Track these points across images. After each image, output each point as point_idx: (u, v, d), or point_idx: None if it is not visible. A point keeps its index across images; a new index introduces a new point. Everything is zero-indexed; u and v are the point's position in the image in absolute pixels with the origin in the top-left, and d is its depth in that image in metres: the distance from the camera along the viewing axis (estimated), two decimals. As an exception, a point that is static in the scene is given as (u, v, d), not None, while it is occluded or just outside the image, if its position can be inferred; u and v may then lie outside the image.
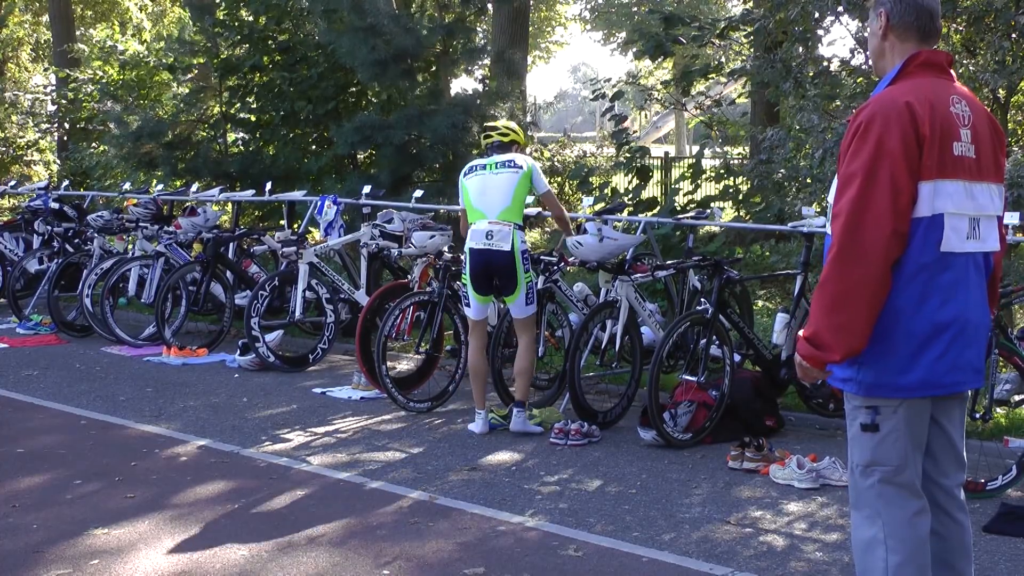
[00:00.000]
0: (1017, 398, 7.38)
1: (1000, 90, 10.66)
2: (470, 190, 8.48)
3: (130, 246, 12.56)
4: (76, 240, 13.36)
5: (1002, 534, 6.21)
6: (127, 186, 16.07)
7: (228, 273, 11.87)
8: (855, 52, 12.09)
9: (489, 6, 19.73)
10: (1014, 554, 5.92)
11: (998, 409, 7.74)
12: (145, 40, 24.78)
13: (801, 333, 4.04)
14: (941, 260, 3.93)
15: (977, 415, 7.25)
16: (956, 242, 3.95)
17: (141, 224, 12.40)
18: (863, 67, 11.80)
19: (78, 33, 27.62)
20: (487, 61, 18.11)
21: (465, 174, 8.61)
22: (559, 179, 21.50)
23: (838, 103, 11.53)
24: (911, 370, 3.93)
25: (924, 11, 4.09)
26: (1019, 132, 11.32)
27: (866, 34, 10.68)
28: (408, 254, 10.32)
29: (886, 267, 3.88)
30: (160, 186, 15.61)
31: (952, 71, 4.18)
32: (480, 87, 17.62)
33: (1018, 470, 6.85)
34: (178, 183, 16.46)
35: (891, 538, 3.97)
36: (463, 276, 8.48)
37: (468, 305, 8.53)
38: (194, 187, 14.14)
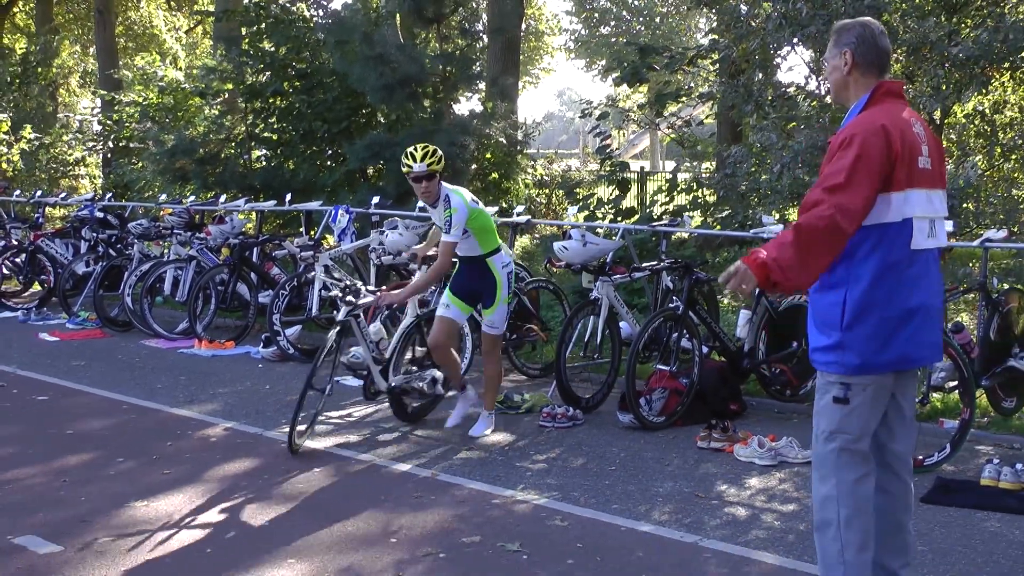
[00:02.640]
0: (951, 384, 7.38)
1: (936, 113, 10.68)
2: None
3: (166, 250, 12.56)
4: (118, 245, 13.32)
5: (937, 504, 6.22)
6: (163, 197, 16.04)
7: (252, 274, 11.85)
8: (809, 78, 12.13)
9: (485, 37, 19.77)
10: (947, 521, 5.94)
11: (934, 394, 7.76)
12: (180, 68, 24.76)
13: (752, 252, 4.17)
14: (910, 256, 4.16)
15: (916, 399, 7.27)
16: (921, 240, 4.18)
17: (176, 231, 12.41)
18: (817, 91, 11.83)
19: (121, 63, 27.59)
20: (483, 86, 18.13)
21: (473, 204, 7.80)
22: (547, 191, 21.49)
23: (794, 123, 11.54)
24: (888, 349, 4.14)
25: (882, 51, 4.31)
26: (953, 150, 11.32)
27: (822, 63, 10.75)
28: (388, 262, 10.36)
29: (844, 238, 4.03)
30: (192, 197, 15.60)
31: (904, 97, 4.38)
32: (477, 109, 17.63)
33: (951, 448, 6.87)
34: (208, 195, 16.44)
35: (843, 495, 4.20)
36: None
37: (448, 306, 7.91)
38: (222, 198, 14.14)
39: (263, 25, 17.40)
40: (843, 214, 3.98)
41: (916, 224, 4.14)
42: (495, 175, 17.27)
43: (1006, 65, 10.99)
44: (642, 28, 44.48)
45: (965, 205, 10.19)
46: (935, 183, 4.27)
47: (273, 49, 17.30)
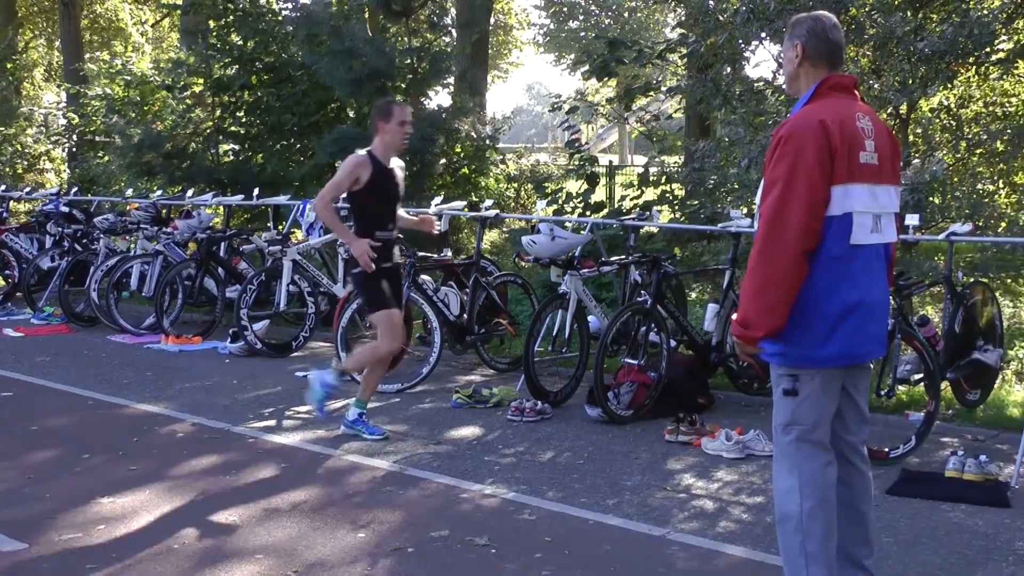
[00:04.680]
0: (916, 377, 7.43)
1: (902, 107, 10.75)
2: None
3: (132, 245, 12.48)
4: (84, 240, 13.27)
5: (902, 496, 6.28)
6: (130, 192, 15.98)
7: (220, 269, 11.82)
8: (777, 73, 12.16)
9: (454, 32, 19.75)
10: (912, 512, 6.00)
11: (900, 387, 7.82)
12: (146, 62, 24.57)
13: (734, 317, 4.26)
14: (851, 251, 4.15)
15: (882, 392, 7.34)
16: (862, 236, 4.17)
17: (142, 226, 12.35)
18: (783, 86, 11.88)
19: (87, 56, 27.38)
20: (452, 80, 18.11)
21: None
22: (516, 185, 21.49)
23: (762, 118, 11.59)
24: (828, 344, 4.16)
25: (833, 44, 4.32)
26: (919, 143, 11.39)
27: (778, 56, 10.78)
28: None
29: (802, 257, 4.08)
30: (159, 192, 15.49)
31: (857, 92, 4.41)
32: (446, 103, 17.62)
33: (917, 440, 6.94)
34: (175, 189, 16.39)
35: (805, 486, 4.21)
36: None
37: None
38: (189, 193, 14.06)
39: (231, 18, 17.33)
40: (792, 225, 4.04)
41: (857, 219, 4.14)
42: (465, 170, 17.27)
43: (971, 60, 11.07)
44: (611, 22, 44.51)
45: (931, 199, 10.26)
46: (882, 178, 4.25)
47: (241, 43, 17.23)
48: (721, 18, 12.31)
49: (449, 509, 6.10)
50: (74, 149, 24.43)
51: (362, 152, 7.49)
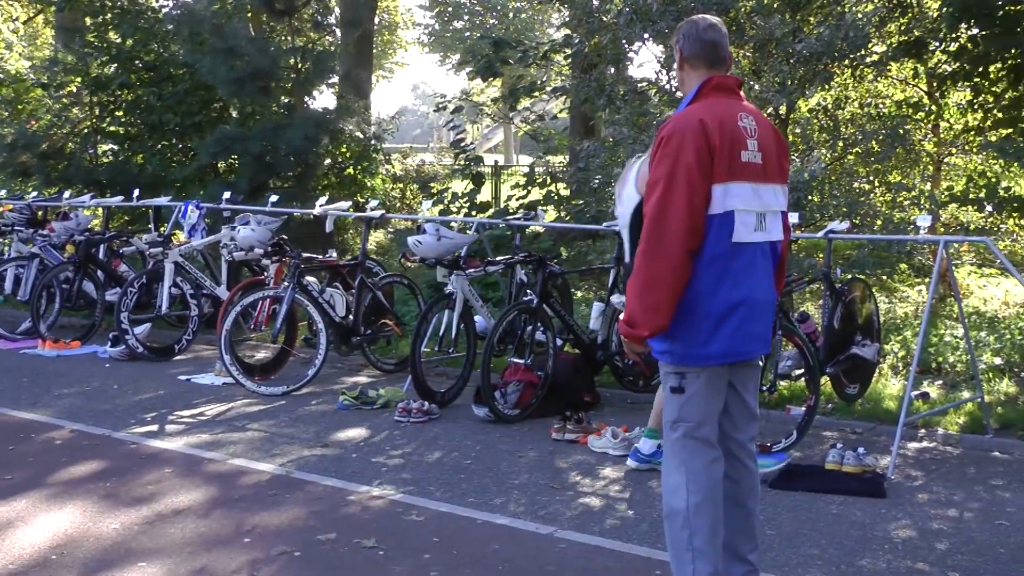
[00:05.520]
0: (797, 372, 7.59)
1: (781, 108, 10.96)
2: None
3: (6, 248, 12.20)
4: (-45, 244, 12.92)
5: (784, 489, 6.40)
6: (3, 193, 15.54)
7: (99, 272, 11.59)
8: (660, 73, 12.33)
9: (338, 31, 19.62)
10: (794, 505, 6.12)
11: (781, 382, 7.97)
12: (15, 59, 23.96)
13: (621, 316, 4.27)
14: (733, 249, 4.18)
15: (764, 388, 7.46)
16: (745, 234, 4.20)
17: (17, 228, 12.10)
18: (666, 86, 12.04)
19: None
20: (336, 80, 18.00)
21: None
22: (401, 185, 21.43)
23: (646, 118, 11.72)
24: (712, 342, 4.19)
25: (708, 44, 4.38)
26: (798, 143, 11.63)
27: (667, 57, 10.96)
28: (240, 257, 10.28)
29: (685, 256, 4.11)
30: (35, 193, 15.15)
31: (741, 92, 4.45)
32: (331, 103, 17.52)
33: (798, 434, 7.10)
34: (52, 190, 16.02)
35: (691, 482, 4.25)
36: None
37: None
38: (67, 194, 13.78)
39: (108, 16, 17.00)
40: (674, 225, 4.07)
41: (739, 217, 4.17)
42: (351, 170, 17.18)
43: (847, 62, 11.36)
44: (496, 22, 44.64)
45: (810, 198, 10.48)
46: (767, 177, 4.30)
47: (120, 40, 16.91)
48: (605, 19, 12.44)
49: (336, 512, 6.06)
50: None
51: None
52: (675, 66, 4.51)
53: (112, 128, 17.42)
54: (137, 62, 16.78)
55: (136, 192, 12.90)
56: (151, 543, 5.52)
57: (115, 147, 17.74)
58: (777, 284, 4.51)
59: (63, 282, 11.46)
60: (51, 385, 9.39)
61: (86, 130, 17.51)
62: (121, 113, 17.12)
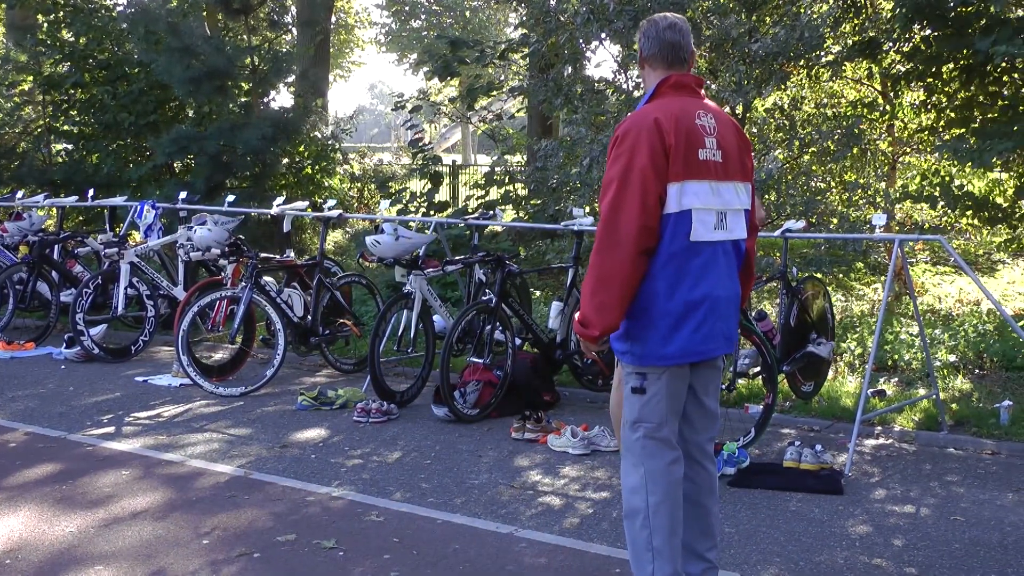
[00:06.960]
0: (754, 370, 7.63)
1: (738, 107, 11.02)
2: None
3: (-42, 250, 12.05)
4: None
5: (743, 487, 6.45)
6: (-46, 194, 15.41)
7: (53, 273, 11.49)
8: (617, 73, 12.36)
9: (294, 30, 19.53)
10: (752, 503, 6.17)
11: (739, 380, 8.02)
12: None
13: (576, 316, 4.26)
14: (691, 248, 4.15)
15: (722, 386, 7.50)
16: (704, 232, 4.18)
17: (-32, 229, 11.94)
18: (624, 86, 12.07)
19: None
20: (293, 79, 17.93)
21: None
22: (359, 184, 21.38)
23: (603, 117, 11.75)
24: (671, 342, 4.18)
25: (666, 44, 4.35)
26: (755, 143, 11.70)
27: (625, 57, 10.97)
28: (197, 258, 10.23)
29: (639, 256, 4.10)
30: (-13, 193, 15.02)
31: (702, 90, 4.41)
32: (288, 103, 17.45)
33: (756, 432, 7.14)
34: (4, 190, 15.86)
35: (651, 482, 4.25)
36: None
37: None
38: (20, 194, 13.63)
39: (61, 14, 16.84)
40: (627, 224, 4.07)
41: (696, 216, 4.14)
42: (308, 169, 17.13)
43: (802, 62, 11.44)
44: (453, 22, 44.58)
45: (767, 197, 10.55)
46: (727, 175, 4.27)
47: (73, 39, 16.77)
48: (562, 18, 12.46)
49: (295, 513, 6.03)
50: None
51: None
52: (636, 65, 4.53)
53: (66, 127, 17.28)
54: (91, 61, 16.66)
55: (91, 192, 12.78)
56: (107, 546, 5.48)
57: (69, 147, 17.62)
58: (746, 283, 4.51)
59: (17, 283, 11.35)
60: (5, 387, 9.29)
61: (39, 129, 17.38)
62: (75, 112, 16.98)
